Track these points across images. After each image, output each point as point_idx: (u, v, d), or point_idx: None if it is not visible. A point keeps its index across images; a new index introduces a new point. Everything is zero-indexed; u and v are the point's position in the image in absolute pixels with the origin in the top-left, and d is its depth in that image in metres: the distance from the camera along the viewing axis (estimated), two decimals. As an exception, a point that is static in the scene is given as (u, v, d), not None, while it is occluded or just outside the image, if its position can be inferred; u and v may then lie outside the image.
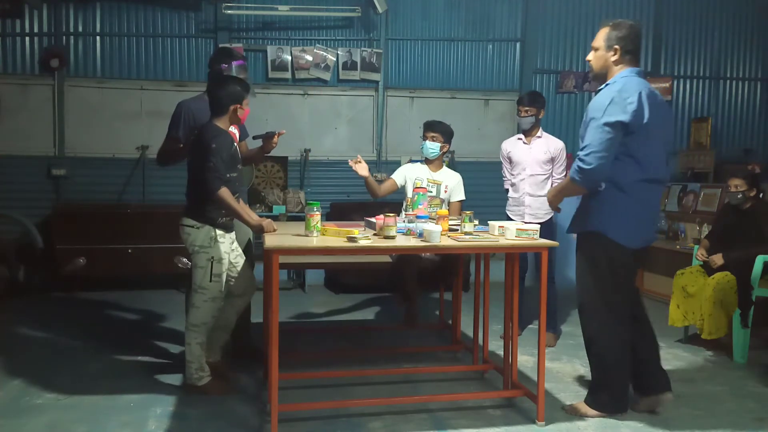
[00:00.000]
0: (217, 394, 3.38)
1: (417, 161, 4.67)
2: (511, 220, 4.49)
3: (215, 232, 3.32)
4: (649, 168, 3.03)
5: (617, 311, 3.13)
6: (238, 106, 3.36)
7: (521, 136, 4.55)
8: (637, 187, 3.02)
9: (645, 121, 2.94)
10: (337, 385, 3.60)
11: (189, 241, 3.34)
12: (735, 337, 4.15)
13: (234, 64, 3.84)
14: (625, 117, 2.90)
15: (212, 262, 3.32)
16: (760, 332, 4.39)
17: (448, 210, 4.33)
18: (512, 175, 4.56)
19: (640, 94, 2.95)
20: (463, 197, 4.48)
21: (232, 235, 3.49)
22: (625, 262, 3.10)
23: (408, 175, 4.38)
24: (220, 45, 6.09)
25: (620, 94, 2.93)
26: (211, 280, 3.32)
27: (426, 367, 3.92)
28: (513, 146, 4.58)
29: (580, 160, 2.93)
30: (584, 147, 2.94)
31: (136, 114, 6.47)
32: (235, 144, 3.40)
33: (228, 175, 3.28)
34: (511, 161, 4.56)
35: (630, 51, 3.07)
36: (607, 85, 3.06)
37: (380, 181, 6.71)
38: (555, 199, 3.29)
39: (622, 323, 3.16)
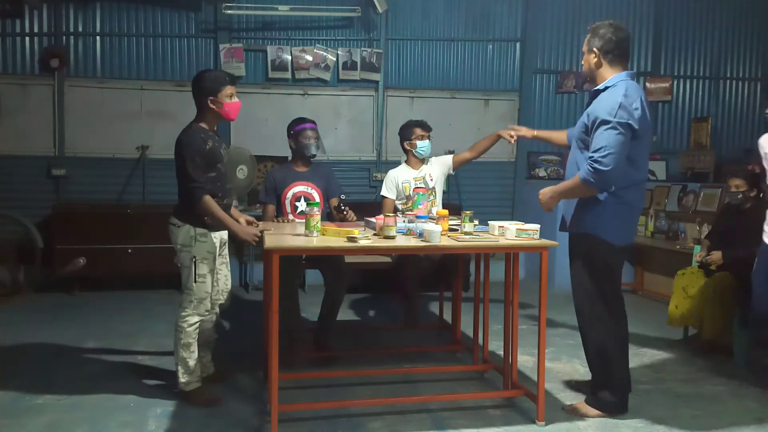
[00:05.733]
0: (201, 404, 3.26)
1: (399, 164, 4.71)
2: None
3: (195, 231, 3.23)
4: (640, 170, 3.10)
5: (613, 309, 3.17)
6: (213, 98, 3.23)
7: None
8: (628, 190, 3.06)
9: (646, 126, 3.01)
10: (337, 385, 3.60)
11: (173, 240, 3.30)
12: (735, 337, 4.15)
13: (298, 128, 4.21)
14: (633, 122, 2.93)
15: (195, 262, 3.24)
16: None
17: (461, 159, 4.45)
18: None
19: (641, 99, 2.99)
20: (449, 156, 4.59)
21: (219, 234, 3.38)
22: (616, 261, 3.18)
23: (398, 183, 4.45)
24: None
25: (626, 99, 2.94)
26: (195, 281, 3.25)
27: (426, 367, 3.92)
28: None
29: (596, 162, 2.89)
30: (599, 149, 2.89)
31: (136, 114, 6.47)
32: (212, 141, 3.25)
33: (206, 176, 3.20)
34: None
35: (610, 51, 3.08)
36: (606, 87, 3.06)
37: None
38: (554, 202, 3.22)
39: (619, 321, 3.19)
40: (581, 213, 3.13)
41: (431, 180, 4.46)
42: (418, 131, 4.41)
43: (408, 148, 4.46)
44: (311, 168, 4.32)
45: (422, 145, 4.40)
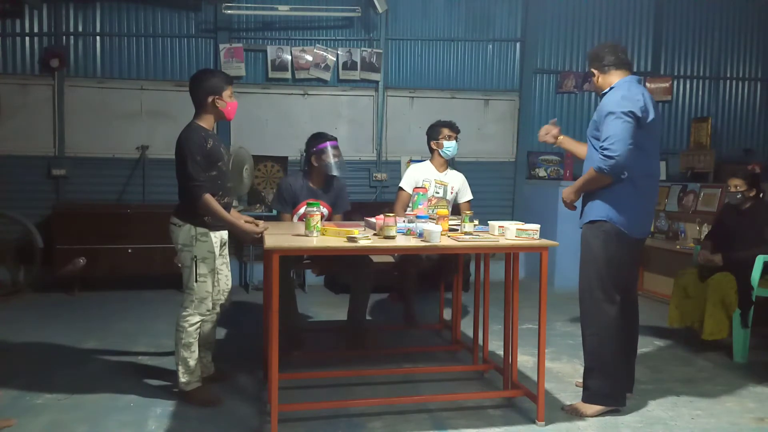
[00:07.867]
0: (201, 404, 3.27)
1: (418, 161, 4.72)
2: None
3: (195, 230, 3.23)
4: (652, 159, 3.25)
5: (616, 300, 3.19)
6: (216, 97, 3.25)
7: None
8: (643, 179, 3.19)
9: (651, 118, 3.15)
10: (337, 385, 3.61)
11: (174, 240, 3.30)
12: (735, 337, 4.15)
13: (321, 146, 4.15)
14: (636, 110, 3.08)
15: (196, 261, 3.25)
16: (760, 332, 4.40)
17: (460, 210, 4.39)
18: None
19: (643, 94, 3.18)
20: (470, 197, 4.57)
21: (219, 234, 3.38)
22: (626, 250, 3.21)
23: (417, 179, 4.43)
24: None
25: (629, 91, 3.14)
26: (196, 280, 3.25)
27: (426, 367, 3.92)
28: None
29: (606, 149, 3.04)
30: (607, 138, 3.05)
31: (136, 114, 6.47)
32: (212, 140, 3.25)
33: (207, 175, 3.21)
34: None
35: (609, 63, 3.27)
36: (612, 88, 3.23)
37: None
38: (575, 197, 3.32)
39: (620, 313, 3.20)
40: (597, 201, 3.21)
41: (452, 193, 4.50)
42: (446, 131, 4.44)
43: (434, 147, 4.48)
44: (326, 184, 4.29)
45: (449, 145, 4.42)
